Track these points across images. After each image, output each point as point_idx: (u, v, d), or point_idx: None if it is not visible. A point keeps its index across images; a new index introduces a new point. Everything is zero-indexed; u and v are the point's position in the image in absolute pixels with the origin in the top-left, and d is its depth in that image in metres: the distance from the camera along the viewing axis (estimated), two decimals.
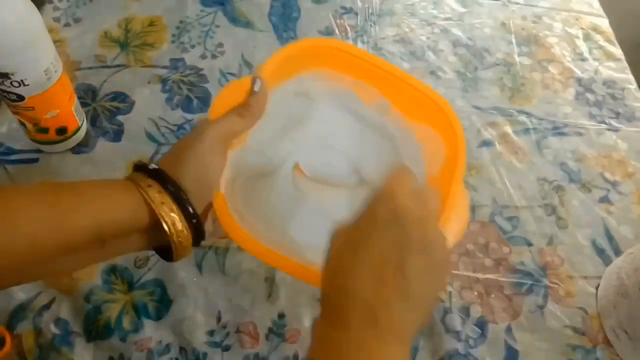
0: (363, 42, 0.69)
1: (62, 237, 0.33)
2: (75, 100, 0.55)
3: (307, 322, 0.49)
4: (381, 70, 0.48)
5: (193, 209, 0.37)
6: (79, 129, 0.56)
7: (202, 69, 0.65)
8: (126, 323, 0.48)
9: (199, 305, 0.49)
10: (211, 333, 0.48)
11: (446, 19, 0.73)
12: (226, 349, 0.48)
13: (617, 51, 0.72)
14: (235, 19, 0.70)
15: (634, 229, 0.57)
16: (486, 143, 0.62)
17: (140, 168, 0.38)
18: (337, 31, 0.70)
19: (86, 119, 0.58)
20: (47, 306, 0.48)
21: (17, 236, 0.32)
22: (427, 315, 0.35)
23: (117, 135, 0.59)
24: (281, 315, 0.49)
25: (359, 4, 0.73)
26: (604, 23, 0.75)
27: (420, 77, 0.66)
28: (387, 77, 0.48)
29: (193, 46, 0.67)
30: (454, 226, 0.41)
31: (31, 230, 0.32)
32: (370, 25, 0.71)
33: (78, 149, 0.57)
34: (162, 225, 0.36)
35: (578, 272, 0.54)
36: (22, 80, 0.47)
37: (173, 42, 0.67)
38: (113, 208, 0.35)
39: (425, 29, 0.72)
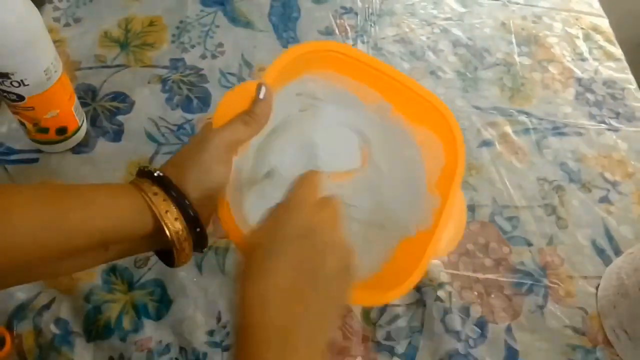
0: (363, 42, 0.69)
1: (62, 238, 0.33)
2: (75, 100, 0.55)
3: None
4: (382, 74, 0.48)
5: (197, 219, 0.37)
6: (79, 129, 0.56)
7: (202, 69, 0.65)
8: (126, 323, 0.48)
9: (199, 305, 0.49)
10: (211, 333, 0.48)
11: (446, 19, 0.73)
12: (226, 349, 0.48)
13: (617, 51, 0.72)
14: (235, 19, 0.70)
15: (634, 229, 0.57)
16: (486, 143, 0.62)
17: (144, 174, 0.38)
18: (337, 31, 0.70)
19: (86, 119, 0.58)
20: (47, 306, 0.48)
21: (16, 235, 0.32)
22: (334, 321, 0.35)
23: (117, 135, 0.59)
24: None
25: (359, 4, 0.73)
26: (604, 23, 0.75)
27: (420, 77, 0.66)
28: (389, 80, 0.48)
29: (193, 46, 0.67)
30: (451, 232, 0.42)
31: (30, 229, 0.32)
32: (370, 25, 0.71)
33: (78, 149, 0.57)
34: (165, 231, 0.36)
35: (578, 272, 0.54)
36: (22, 80, 0.47)
37: (173, 42, 0.67)
38: (116, 212, 0.35)
39: (425, 29, 0.72)
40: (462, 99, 0.65)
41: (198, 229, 0.37)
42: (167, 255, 0.38)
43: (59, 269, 0.37)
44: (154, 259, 0.51)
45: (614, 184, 0.60)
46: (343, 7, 0.72)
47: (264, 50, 0.67)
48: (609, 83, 0.68)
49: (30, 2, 0.45)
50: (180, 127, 0.60)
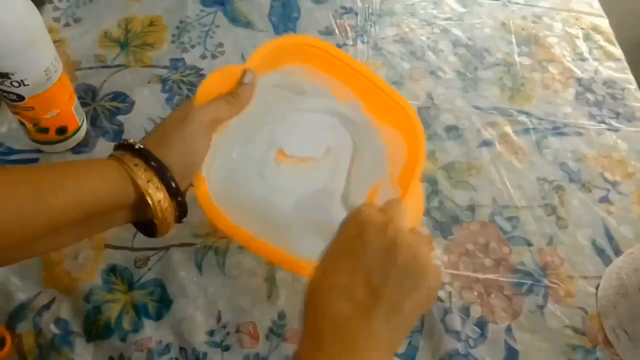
0: (363, 42, 0.69)
1: (45, 218, 0.34)
2: (75, 100, 0.55)
3: None
4: (356, 72, 0.52)
5: (177, 187, 0.38)
6: (79, 129, 0.56)
7: (202, 69, 0.65)
8: (126, 323, 0.48)
9: (199, 305, 0.49)
10: (211, 333, 0.48)
11: (446, 19, 0.73)
12: (226, 349, 0.48)
13: (617, 51, 0.72)
14: (235, 19, 0.70)
15: (634, 229, 0.57)
16: (486, 143, 0.62)
17: (124, 147, 0.39)
18: (337, 31, 0.70)
19: (86, 119, 0.58)
20: (47, 306, 0.48)
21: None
22: (410, 324, 0.35)
23: (117, 135, 0.59)
24: (281, 315, 0.49)
25: (359, 4, 0.73)
26: (604, 23, 0.75)
27: (420, 77, 0.66)
28: (361, 79, 0.52)
29: (193, 46, 0.67)
30: (410, 214, 0.44)
31: (14, 208, 0.33)
32: (370, 25, 0.71)
33: (78, 149, 0.57)
34: (147, 202, 0.37)
35: (578, 272, 0.54)
36: (22, 80, 0.47)
37: (173, 42, 0.67)
38: (98, 185, 0.36)
39: (425, 29, 0.72)
40: (462, 99, 0.65)
41: (179, 198, 0.39)
42: (147, 227, 0.40)
43: (43, 246, 0.37)
44: (154, 258, 0.51)
45: (614, 184, 0.60)
46: (343, 7, 0.72)
47: None
48: (609, 83, 0.68)
49: (30, 2, 0.45)
50: None
